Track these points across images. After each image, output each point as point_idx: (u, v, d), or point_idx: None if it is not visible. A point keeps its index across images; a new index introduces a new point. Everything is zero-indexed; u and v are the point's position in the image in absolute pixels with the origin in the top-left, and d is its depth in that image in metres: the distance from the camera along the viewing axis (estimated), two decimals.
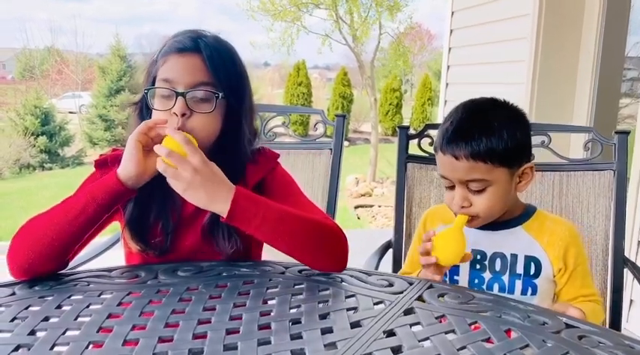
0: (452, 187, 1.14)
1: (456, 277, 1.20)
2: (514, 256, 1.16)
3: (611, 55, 2.99)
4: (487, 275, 1.18)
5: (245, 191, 0.97)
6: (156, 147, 0.94)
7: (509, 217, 1.18)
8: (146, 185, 1.01)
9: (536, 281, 1.15)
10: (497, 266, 1.17)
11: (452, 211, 1.16)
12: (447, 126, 1.12)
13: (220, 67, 1.05)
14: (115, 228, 1.16)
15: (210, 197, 0.94)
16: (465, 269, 1.20)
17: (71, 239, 0.98)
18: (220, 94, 1.04)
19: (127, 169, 0.98)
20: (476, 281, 1.18)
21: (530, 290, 1.15)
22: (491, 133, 1.08)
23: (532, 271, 1.15)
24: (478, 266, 1.19)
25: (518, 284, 1.16)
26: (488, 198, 1.11)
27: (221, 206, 0.94)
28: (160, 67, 1.05)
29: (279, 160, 1.18)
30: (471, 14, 3.93)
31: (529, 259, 1.16)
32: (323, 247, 1.01)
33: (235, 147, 1.09)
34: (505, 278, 1.17)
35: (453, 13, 4.15)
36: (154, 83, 1.06)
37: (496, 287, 1.17)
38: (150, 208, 1.09)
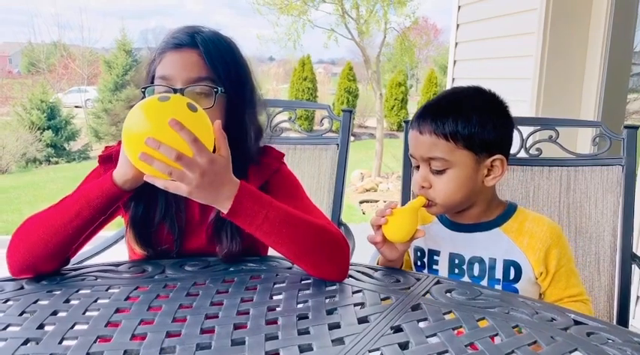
0: (418, 168, 1.13)
1: None
2: (492, 260, 1.13)
3: (619, 49, 2.96)
4: (465, 279, 1.16)
5: (250, 187, 0.93)
6: (163, 149, 0.83)
7: (487, 218, 1.15)
8: (148, 188, 0.96)
9: (517, 285, 1.12)
10: (476, 270, 1.15)
11: (414, 192, 1.15)
12: (423, 105, 1.15)
13: (219, 62, 1.03)
14: (121, 223, 1.17)
15: (215, 194, 0.89)
16: (443, 273, 1.18)
17: (67, 240, 0.97)
18: (220, 89, 1.02)
19: (123, 171, 0.95)
20: None
21: None
22: (459, 114, 1.07)
23: (512, 276, 1.12)
24: (456, 271, 1.17)
25: (498, 288, 1.13)
26: (449, 181, 1.08)
27: (223, 202, 0.90)
28: (157, 64, 1.04)
29: (284, 160, 1.16)
30: (477, 9, 3.91)
31: (508, 263, 1.12)
32: (325, 253, 0.98)
33: (239, 145, 1.05)
34: (484, 283, 1.14)
35: (459, 7, 4.12)
36: (153, 82, 1.04)
37: None
38: (154, 212, 1.08)
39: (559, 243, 1.13)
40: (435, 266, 1.20)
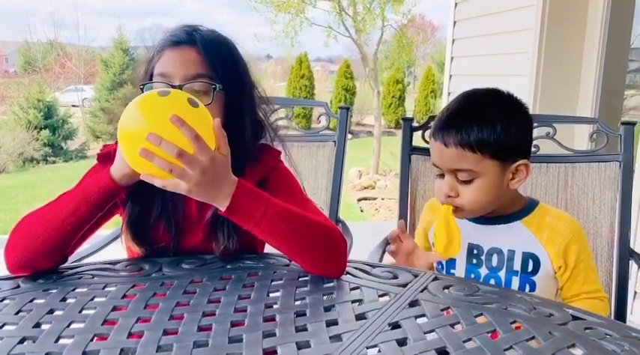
0: (442, 176, 1.12)
1: (452, 271, 1.20)
2: (511, 252, 1.14)
3: (616, 46, 2.97)
4: (483, 270, 1.16)
5: (247, 185, 0.93)
6: (164, 146, 0.82)
7: (508, 211, 1.16)
8: (145, 186, 0.95)
9: (535, 278, 1.13)
10: (494, 261, 1.15)
11: (439, 201, 1.14)
12: (443, 113, 1.12)
13: (217, 59, 1.03)
14: (118, 221, 1.16)
15: (214, 192, 0.89)
16: (461, 263, 1.19)
17: (65, 237, 0.96)
18: (218, 86, 1.02)
19: (120, 167, 0.94)
20: (472, 276, 1.17)
21: (528, 287, 1.13)
22: (484, 123, 1.05)
23: (530, 268, 1.13)
24: (474, 261, 1.17)
25: (515, 280, 1.14)
26: (476, 190, 1.08)
27: (222, 200, 0.90)
28: (155, 62, 1.04)
29: (281, 157, 1.16)
30: (474, 5, 3.91)
31: (527, 255, 1.13)
32: (323, 250, 0.98)
33: (238, 143, 1.04)
34: (502, 274, 1.15)
35: (456, 4, 4.12)
36: (151, 80, 1.04)
37: (492, 283, 1.15)
38: (151, 210, 1.08)
39: (579, 238, 1.13)
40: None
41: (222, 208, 0.91)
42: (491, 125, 1.05)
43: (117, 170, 0.95)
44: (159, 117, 0.84)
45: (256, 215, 0.92)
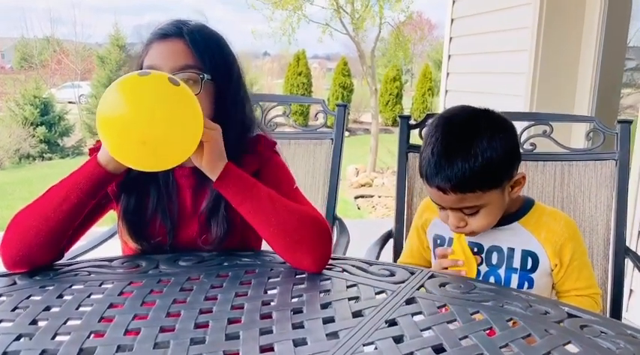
0: (444, 208, 1.12)
1: None
2: (511, 250, 1.15)
3: (613, 44, 2.97)
4: (483, 268, 1.17)
5: (235, 167, 1.00)
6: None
7: (506, 213, 1.16)
8: (140, 180, 0.98)
9: (533, 275, 1.14)
10: (494, 259, 1.17)
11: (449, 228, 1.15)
12: (429, 154, 1.06)
13: (205, 50, 1.04)
14: (115, 218, 1.16)
15: (220, 155, 0.97)
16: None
17: (58, 227, 0.97)
18: (206, 76, 1.02)
19: (106, 152, 0.95)
20: None
21: (526, 285, 1.14)
22: (476, 160, 1.02)
23: (529, 265, 1.14)
24: None
25: (515, 278, 1.15)
26: (484, 217, 1.10)
27: (214, 169, 0.97)
28: (144, 56, 1.05)
29: (277, 148, 1.17)
30: (472, 3, 3.90)
31: (526, 253, 1.14)
32: (307, 239, 0.99)
33: (229, 133, 1.04)
34: (501, 271, 1.16)
35: (453, 1, 4.12)
36: None
37: (492, 280, 1.16)
38: (146, 203, 1.08)
39: (574, 236, 1.15)
40: None
41: (214, 176, 0.97)
42: (482, 157, 1.02)
43: (102, 155, 0.96)
44: (140, 99, 0.85)
45: (245, 190, 0.98)
